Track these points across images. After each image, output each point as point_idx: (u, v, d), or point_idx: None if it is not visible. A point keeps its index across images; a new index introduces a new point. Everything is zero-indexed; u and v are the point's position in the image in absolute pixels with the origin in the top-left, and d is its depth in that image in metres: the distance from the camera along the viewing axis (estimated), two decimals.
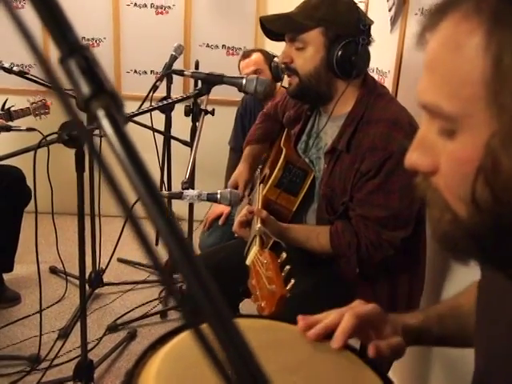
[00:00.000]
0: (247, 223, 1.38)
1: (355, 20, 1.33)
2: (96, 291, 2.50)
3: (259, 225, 1.20)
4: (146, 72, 3.21)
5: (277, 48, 2.44)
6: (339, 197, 1.38)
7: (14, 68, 2.09)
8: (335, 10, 1.32)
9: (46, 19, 0.43)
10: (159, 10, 3.17)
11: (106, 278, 2.53)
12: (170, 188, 2.55)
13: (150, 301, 2.44)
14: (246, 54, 2.51)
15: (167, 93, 2.38)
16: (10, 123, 2.26)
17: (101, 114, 0.39)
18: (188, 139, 2.12)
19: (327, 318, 0.71)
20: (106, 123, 0.39)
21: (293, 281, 0.88)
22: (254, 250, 1.04)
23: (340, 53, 1.31)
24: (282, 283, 0.85)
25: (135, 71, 3.21)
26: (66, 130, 1.48)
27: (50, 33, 0.42)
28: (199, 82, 1.51)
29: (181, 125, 2.32)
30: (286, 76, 1.42)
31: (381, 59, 1.87)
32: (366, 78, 1.41)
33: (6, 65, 2.07)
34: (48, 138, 1.53)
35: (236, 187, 1.71)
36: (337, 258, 1.39)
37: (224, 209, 2.47)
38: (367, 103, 1.35)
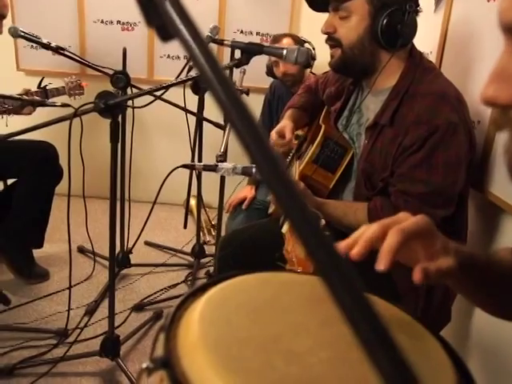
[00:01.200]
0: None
1: None
2: (123, 272, 2.50)
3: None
4: (179, 57, 3.20)
5: (312, 35, 2.41)
6: (379, 172, 1.33)
7: (52, 44, 2.09)
8: None
9: None
10: None
11: (133, 260, 2.53)
12: (200, 174, 2.54)
13: (177, 284, 2.42)
14: (277, 39, 2.49)
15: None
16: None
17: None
18: (221, 121, 2.11)
19: (366, 232, 0.66)
20: (168, 8, 0.36)
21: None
22: None
23: (385, 21, 1.27)
24: None
25: (168, 56, 3.21)
26: (102, 99, 1.47)
27: None
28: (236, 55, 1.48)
29: (214, 107, 2.29)
30: (329, 47, 1.37)
31: (424, 40, 1.81)
32: (412, 51, 1.36)
33: (44, 40, 2.08)
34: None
35: (281, 136, 1.64)
36: None
37: (247, 193, 2.46)
38: (413, 77, 1.31)
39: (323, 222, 0.93)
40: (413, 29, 1.31)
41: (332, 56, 1.38)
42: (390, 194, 1.31)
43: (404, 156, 1.26)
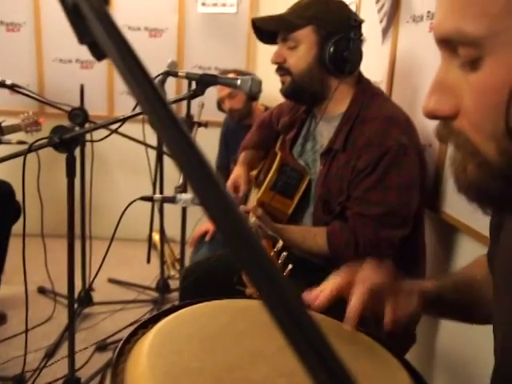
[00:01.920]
0: None
1: (346, 17, 1.34)
2: (85, 311, 2.42)
3: (254, 219, 1.17)
4: None
5: (269, 69, 2.47)
6: (336, 197, 1.35)
7: (7, 82, 2.07)
8: (326, 8, 1.34)
9: None
10: (152, 33, 3.21)
11: (96, 298, 2.46)
12: (161, 207, 2.52)
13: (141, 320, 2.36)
14: (224, 73, 2.53)
15: None
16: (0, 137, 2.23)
17: (90, 15, 0.37)
18: None
19: (331, 284, 0.67)
20: (95, 24, 0.36)
21: (290, 266, 0.85)
22: None
23: (332, 49, 1.32)
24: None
25: (128, 92, 3.21)
26: (57, 134, 1.46)
27: None
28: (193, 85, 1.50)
29: None
30: (279, 76, 1.41)
31: (374, 70, 1.88)
32: (360, 77, 1.41)
33: None
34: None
35: (235, 189, 1.67)
36: (334, 260, 1.35)
37: (209, 225, 2.45)
38: (362, 102, 1.35)
39: (280, 243, 0.93)
40: (359, 55, 1.37)
41: (283, 82, 1.42)
42: (347, 218, 1.33)
43: (358, 179, 1.29)
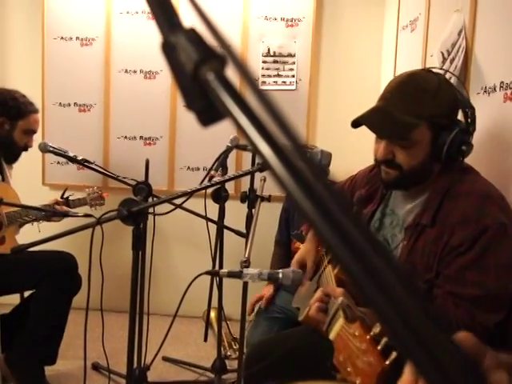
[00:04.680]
0: (325, 308, 1.26)
1: (457, 105, 1.29)
2: None
3: (342, 297, 1.08)
4: (198, 169, 3.28)
5: (328, 147, 2.44)
6: (421, 274, 1.26)
7: (78, 157, 2.16)
8: (439, 100, 1.25)
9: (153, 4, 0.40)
10: None
11: (150, 377, 2.37)
12: (221, 283, 2.47)
13: None
14: None
15: (222, 183, 2.39)
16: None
17: (211, 77, 0.35)
18: (242, 229, 2.11)
19: None
20: (216, 85, 0.34)
21: (394, 353, 0.75)
22: (340, 322, 0.92)
23: (448, 144, 1.25)
24: (380, 356, 0.73)
25: (188, 167, 3.29)
26: (126, 206, 1.47)
27: (155, 17, 0.40)
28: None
29: (235, 213, 2.31)
30: (384, 168, 1.34)
31: None
32: None
33: (71, 154, 2.15)
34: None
35: (302, 266, 1.60)
36: None
37: (265, 291, 2.40)
38: (451, 177, 1.29)
39: (378, 328, 0.84)
40: (471, 145, 1.30)
41: (387, 173, 1.33)
42: (435, 297, 1.23)
43: (451, 256, 1.20)
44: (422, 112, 1.24)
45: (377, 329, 0.78)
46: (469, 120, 1.30)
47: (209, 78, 0.35)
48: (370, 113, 1.29)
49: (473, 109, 1.32)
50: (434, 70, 1.35)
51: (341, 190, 1.64)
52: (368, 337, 0.77)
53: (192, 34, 0.37)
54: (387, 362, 0.72)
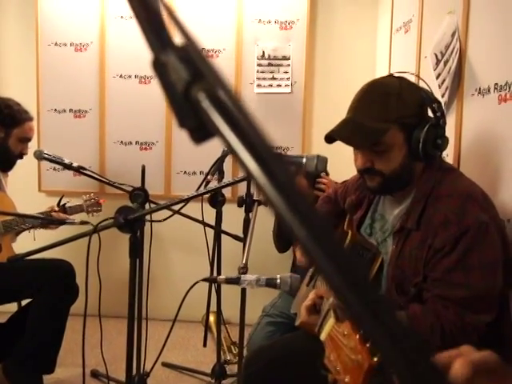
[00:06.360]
0: (315, 309, 1.26)
1: (423, 101, 1.29)
2: None
3: (331, 299, 1.10)
4: (195, 173, 3.28)
5: (324, 151, 2.47)
6: (410, 278, 1.27)
7: (74, 164, 2.16)
8: (403, 101, 1.26)
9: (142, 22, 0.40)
10: None
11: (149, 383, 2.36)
12: (219, 288, 2.46)
13: None
14: None
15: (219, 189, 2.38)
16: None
17: (201, 97, 0.35)
18: (240, 233, 2.10)
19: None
20: (207, 105, 0.34)
21: (377, 357, 0.76)
22: (330, 322, 0.93)
23: (422, 141, 1.26)
24: (368, 353, 0.74)
25: (185, 172, 3.29)
26: (122, 214, 1.46)
27: (145, 35, 0.40)
28: None
29: (232, 218, 2.30)
30: (367, 177, 1.36)
31: None
32: None
33: (66, 161, 2.15)
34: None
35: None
36: None
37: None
38: (434, 179, 1.30)
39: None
40: (446, 137, 1.31)
41: (370, 180, 1.35)
42: (425, 300, 1.24)
43: (436, 259, 1.21)
44: (390, 115, 1.25)
45: None
46: (438, 114, 1.30)
47: (199, 98, 0.34)
48: (340, 126, 1.30)
49: (439, 103, 1.32)
50: (395, 74, 1.36)
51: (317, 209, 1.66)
52: (357, 335, 0.78)
53: (182, 53, 0.37)
54: (375, 359, 0.73)
